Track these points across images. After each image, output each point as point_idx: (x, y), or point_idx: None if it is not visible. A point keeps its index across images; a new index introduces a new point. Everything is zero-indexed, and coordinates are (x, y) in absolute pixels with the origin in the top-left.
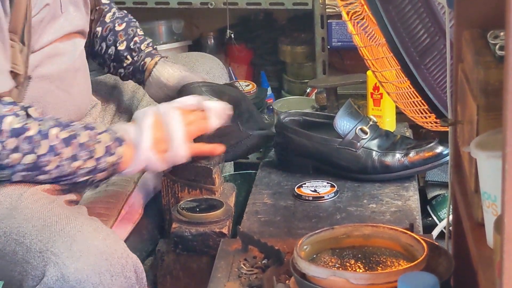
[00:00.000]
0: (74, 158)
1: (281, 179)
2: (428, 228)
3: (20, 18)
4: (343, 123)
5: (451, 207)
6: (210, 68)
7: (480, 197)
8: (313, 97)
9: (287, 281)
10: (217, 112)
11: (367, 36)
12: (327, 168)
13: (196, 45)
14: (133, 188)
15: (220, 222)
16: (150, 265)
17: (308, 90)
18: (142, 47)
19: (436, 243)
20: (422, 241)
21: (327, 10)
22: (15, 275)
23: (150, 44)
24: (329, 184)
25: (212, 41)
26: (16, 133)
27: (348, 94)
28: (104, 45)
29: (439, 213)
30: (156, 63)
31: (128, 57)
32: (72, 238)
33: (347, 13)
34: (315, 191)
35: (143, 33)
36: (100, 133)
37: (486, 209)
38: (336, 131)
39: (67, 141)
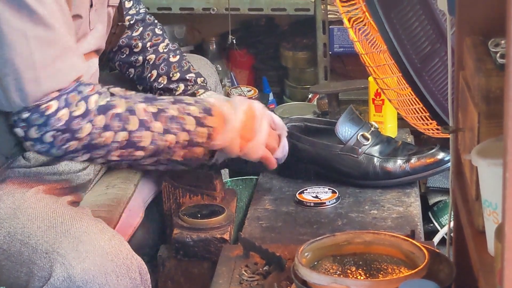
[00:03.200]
0: (166, 131)
1: (282, 185)
2: (430, 234)
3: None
4: (345, 129)
5: (452, 214)
6: (199, 67)
7: (481, 205)
8: (315, 102)
9: None
10: (284, 147)
11: (369, 43)
12: (328, 174)
13: (198, 50)
14: (134, 191)
15: (221, 228)
16: (151, 270)
17: (309, 96)
18: (198, 81)
19: (437, 250)
20: (423, 248)
21: (329, 15)
22: (21, 276)
23: (205, 81)
24: (331, 190)
25: (214, 46)
26: (103, 110)
27: (349, 100)
28: (155, 72)
29: (440, 219)
30: (205, 92)
31: (181, 86)
32: (78, 239)
33: (349, 20)
34: (316, 197)
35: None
36: (188, 105)
37: (487, 217)
38: (338, 137)
39: (156, 115)
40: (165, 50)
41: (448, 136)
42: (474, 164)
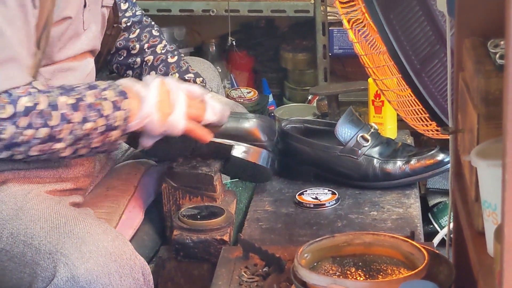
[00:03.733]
0: (84, 120)
1: (282, 186)
2: (430, 235)
3: (42, 20)
4: (344, 131)
5: (451, 215)
6: (201, 70)
7: (481, 206)
8: (315, 104)
9: None
10: (214, 109)
11: (368, 44)
12: (328, 176)
13: (198, 52)
14: (133, 192)
15: (221, 229)
16: (151, 272)
17: (309, 97)
18: (197, 81)
19: (437, 251)
20: (422, 249)
21: (329, 17)
22: (25, 277)
23: (204, 82)
24: (330, 192)
25: (214, 48)
26: (28, 110)
27: (349, 101)
28: (153, 74)
29: (440, 221)
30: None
31: None
32: (82, 239)
33: (348, 21)
34: (316, 198)
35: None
36: (103, 90)
37: (486, 218)
38: (337, 138)
39: (75, 106)
40: (163, 51)
41: (448, 137)
42: (473, 165)
